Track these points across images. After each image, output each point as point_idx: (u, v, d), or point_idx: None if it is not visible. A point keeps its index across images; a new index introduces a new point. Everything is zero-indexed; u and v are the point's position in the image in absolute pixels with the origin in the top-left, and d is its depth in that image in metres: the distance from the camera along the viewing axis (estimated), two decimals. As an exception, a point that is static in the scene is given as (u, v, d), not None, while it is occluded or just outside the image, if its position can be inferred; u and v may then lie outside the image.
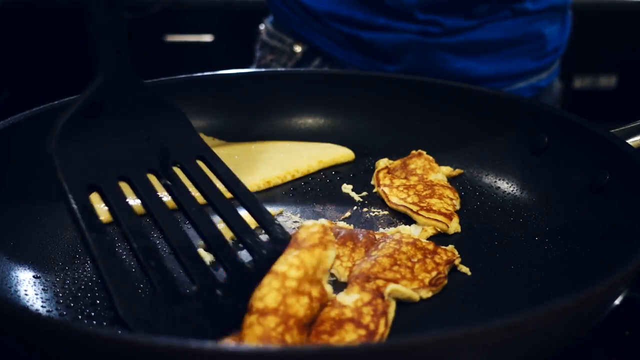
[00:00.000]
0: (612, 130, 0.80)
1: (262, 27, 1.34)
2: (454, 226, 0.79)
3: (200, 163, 0.66)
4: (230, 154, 0.93)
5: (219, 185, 0.66)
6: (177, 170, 0.64)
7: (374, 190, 0.87)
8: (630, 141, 0.78)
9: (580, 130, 0.82)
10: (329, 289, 0.62)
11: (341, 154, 0.95)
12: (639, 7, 2.27)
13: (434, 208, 0.80)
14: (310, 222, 0.64)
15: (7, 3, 2.18)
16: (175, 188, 0.62)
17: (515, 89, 1.27)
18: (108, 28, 0.57)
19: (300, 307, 0.58)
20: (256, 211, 0.65)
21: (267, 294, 0.57)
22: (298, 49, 1.26)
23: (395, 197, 0.83)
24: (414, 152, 0.91)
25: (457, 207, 0.83)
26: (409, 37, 1.19)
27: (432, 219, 0.78)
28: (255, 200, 0.66)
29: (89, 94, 0.58)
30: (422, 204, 0.81)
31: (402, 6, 1.16)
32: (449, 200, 0.82)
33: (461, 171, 0.91)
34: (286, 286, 0.58)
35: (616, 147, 0.76)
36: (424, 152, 0.90)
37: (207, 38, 2.39)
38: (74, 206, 0.55)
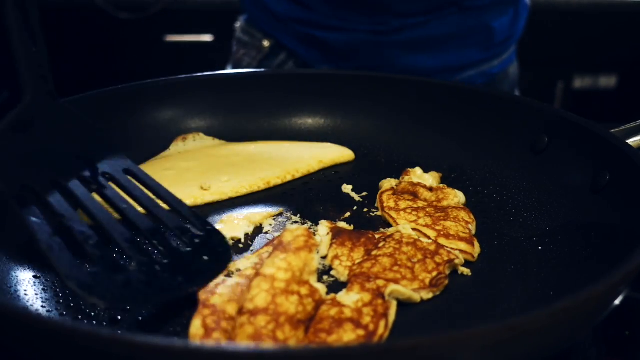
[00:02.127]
0: (612, 130, 0.80)
1: (237, 24, 1.44)
2: (477, 251, 0.74)
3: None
4: (230, 154, 0.93)
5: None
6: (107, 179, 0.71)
7: (379, 214, 0.82)
8: (630, 141, 0.77)
9: (580, 130, 0.82)
10: (319, 286, 0.63)
11: (341, 154, 0.95)
12: (639, 7, 2.27)
13: (451, 232, 0.75)
14: (294, 227, 0.66)
15: (7, 3, 2.18)
16: (105, 191, 0.69)
17: (465, 77, 1.30)
18: (32, 58, 0.68)
19: (290, 304, 0.58)
20: (188, 215, 0.69)
21: (257, 295, 0.58)
22: (266, 43, 1.35)
23: (404, 221, 0.78)
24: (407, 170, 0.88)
25: (473, 232, 0.77)
26: (359, 36, 1.25)
27: (455, 248, 0.73)
28: (186, 207, 0.70)
29: (17, 112, 0.67)
30: (437, 227, 0.76)
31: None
32: (464, 224, 0.77)
33: (439, 174, 0.89)
34: (275, 287, 0.59)
35: (616, 147, 0.76)
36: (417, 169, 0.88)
37: (207, 38, 2.39)
38: (10, 198, 0.63)
